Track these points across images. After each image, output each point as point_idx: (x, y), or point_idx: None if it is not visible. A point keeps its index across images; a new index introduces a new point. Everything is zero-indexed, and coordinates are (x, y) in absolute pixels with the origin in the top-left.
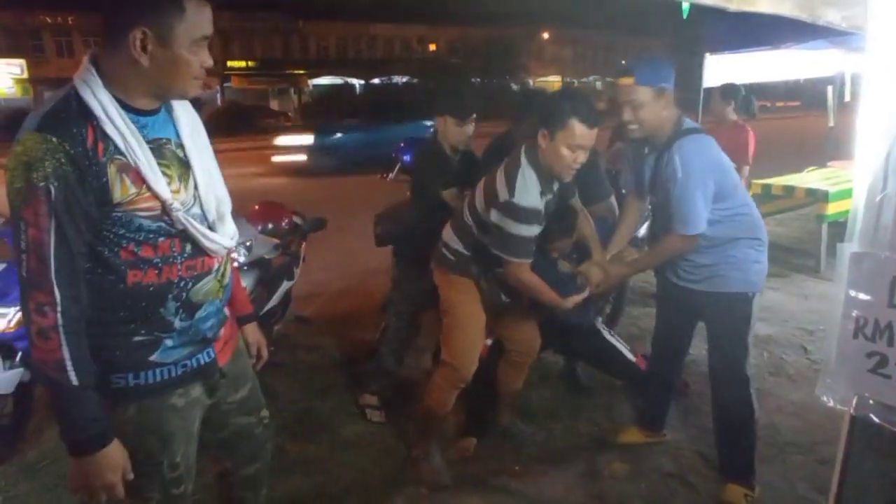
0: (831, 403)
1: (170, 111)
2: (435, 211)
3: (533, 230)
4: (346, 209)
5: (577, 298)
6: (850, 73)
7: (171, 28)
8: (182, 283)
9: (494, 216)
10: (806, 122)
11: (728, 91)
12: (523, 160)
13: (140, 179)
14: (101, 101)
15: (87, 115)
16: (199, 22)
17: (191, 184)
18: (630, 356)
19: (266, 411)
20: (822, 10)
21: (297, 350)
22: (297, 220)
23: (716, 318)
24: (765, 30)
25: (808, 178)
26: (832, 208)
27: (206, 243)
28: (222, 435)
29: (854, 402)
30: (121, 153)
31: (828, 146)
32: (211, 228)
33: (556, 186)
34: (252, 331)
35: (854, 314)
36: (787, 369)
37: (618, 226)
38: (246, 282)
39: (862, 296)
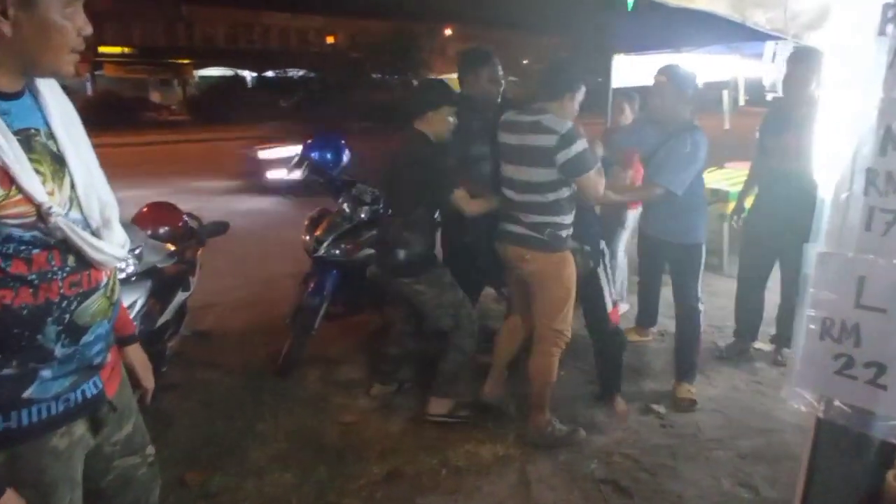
0: (803, 409)
1: (35, 95)
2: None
3: None
4: (243, 209)
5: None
6: (743, 78)
7: None
8: (64, 304)
9: (577, 146)
10: (700, 124)
11: (623, 95)
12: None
13: (7, 179)
14: None
15: None
16: None
17: (66, 183)
18: (608, 303)
19: (152, 447)
20: (751, 11)
21: (194, 368)
22: (191, 223)
23: (680, 262)
24: (668, 33)
25: (710, 179)
26: (733, 207)
27: (93, 254)
28: (103, 483)
29: (821, 404)
30: None
31: (724, 148)
32: (95, 236)
33: None
34: (136, 354)
35: (820, 315)
36: (703, 366)
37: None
38: (136, 295)
39: (828, 296)
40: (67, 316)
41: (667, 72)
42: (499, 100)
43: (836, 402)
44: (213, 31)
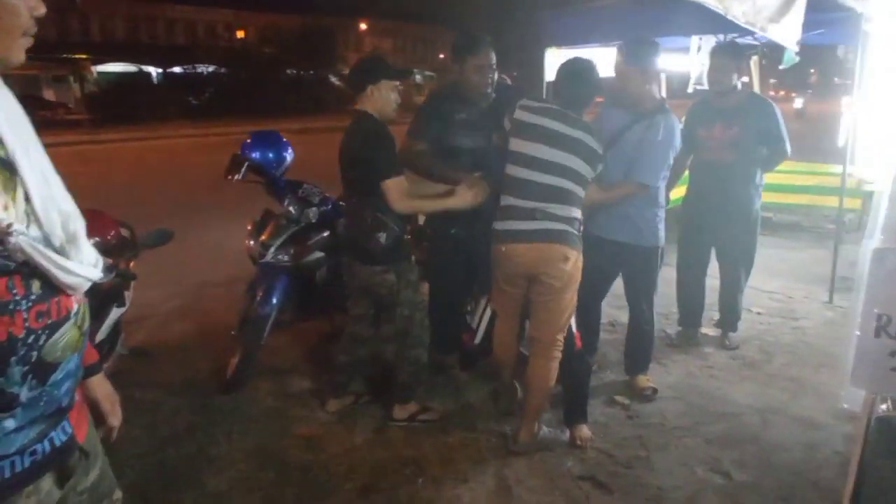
0: (857, 409)
1: None
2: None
3: None
4: (172, 215)
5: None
6: (664, 72)
7: None
8: (31, 339)
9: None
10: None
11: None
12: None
13: None
14: None
15: None
16: None
17: (19, 195)
18: (574, 327)
19: (119, 492)
20: (729, 3)
21: (134, 390)
22: (123, 232)
23: (635, 267)
24: (599, 27)
25: None
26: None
27: (63, 277)
28: None
29: (875, 403)
30: None
31: None
32: (60, 255)
33: None
34: (100, 385)
35: (875, 312)
36: (656, 354)
37: None
38: None
39: (885, 293)
40: (34, 353)
41: (622, 51)
42: (491, 91)
43: (890, 399)
44: (112, 23)
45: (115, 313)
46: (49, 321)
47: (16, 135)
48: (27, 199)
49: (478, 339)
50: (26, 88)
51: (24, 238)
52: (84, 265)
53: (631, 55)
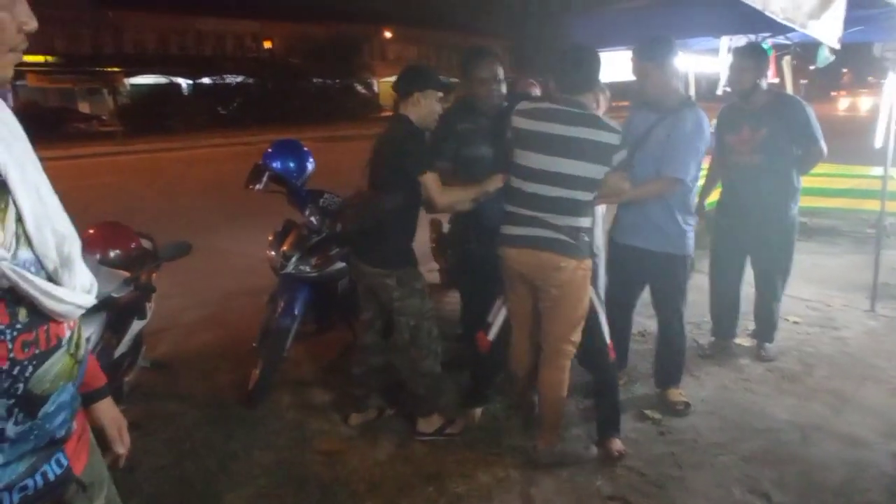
0: None
1: None
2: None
3: None
4: (199, 224)
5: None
6: (693, 73)
7: None
8: (16, 371)
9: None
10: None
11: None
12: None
13: None
14: None
15: None
16: None
17: (10, 215)
18: (606, 332)
19: None
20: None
21: (154, 402)
22: (145, 244)
23: (662, 275)
24: (627, 29)
25: None
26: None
27: (51, 304)
28: None
29: None
30: None
31: None
32: (52, 280)
33: None
34: (107, 411)
35: None
36: (688, 366)
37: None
38: (90, 330)
39: None
40: (21, 385)
41: (636, 50)
42: (503, 102)
43: None
44: (143, 37)
45: (136, 326)
46: (36, 351)
47: (9, 151)
48: (19, 219)
49: (492, 336)
50: (62, 101)
51: (7, 263)
52: (76, 292)
53: (643, 52)
